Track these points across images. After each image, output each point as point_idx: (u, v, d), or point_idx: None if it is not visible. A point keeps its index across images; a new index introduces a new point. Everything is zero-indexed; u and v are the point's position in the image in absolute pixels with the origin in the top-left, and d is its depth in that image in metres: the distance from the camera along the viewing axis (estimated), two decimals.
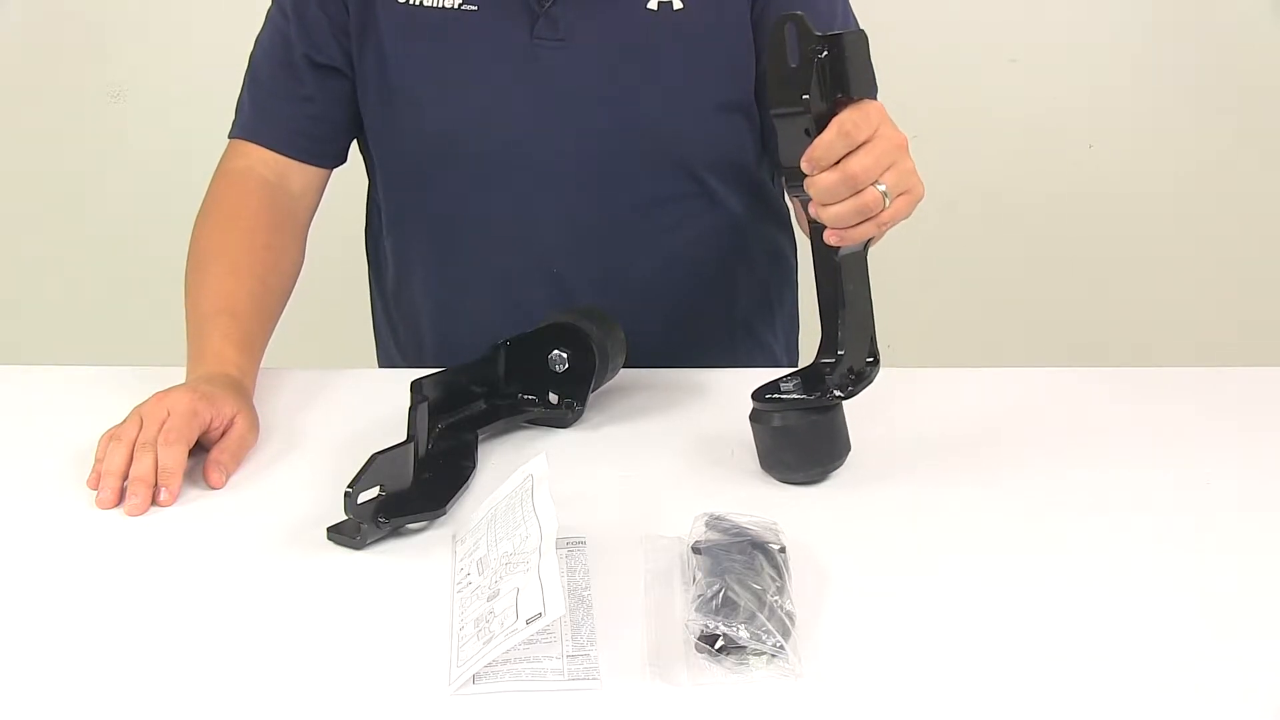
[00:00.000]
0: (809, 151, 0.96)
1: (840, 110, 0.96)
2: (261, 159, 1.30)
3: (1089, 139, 2.35)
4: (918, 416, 1.18)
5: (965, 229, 2.38)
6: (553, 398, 1.14)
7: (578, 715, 0.80)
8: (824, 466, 1.06)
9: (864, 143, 0.96)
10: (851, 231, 0.99)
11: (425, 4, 1.24)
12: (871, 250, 1.06)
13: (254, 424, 1.10)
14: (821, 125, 0.96)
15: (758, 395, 1.06)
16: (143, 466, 1.02)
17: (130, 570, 0.94)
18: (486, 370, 1.14)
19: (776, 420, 1.04)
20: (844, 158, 0.96)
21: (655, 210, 1.28)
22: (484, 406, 1.13)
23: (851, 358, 1.04)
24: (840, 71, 0.96)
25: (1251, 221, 2.39)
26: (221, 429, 1.08)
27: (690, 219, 1.30)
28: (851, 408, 1.07)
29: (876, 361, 1.06)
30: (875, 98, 0.97)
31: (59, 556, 0.96)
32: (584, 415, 1.15)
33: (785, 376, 1.06)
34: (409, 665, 0.83)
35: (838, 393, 1.04)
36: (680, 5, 1.23)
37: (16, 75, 2.27)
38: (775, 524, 0.94)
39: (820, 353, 1.05)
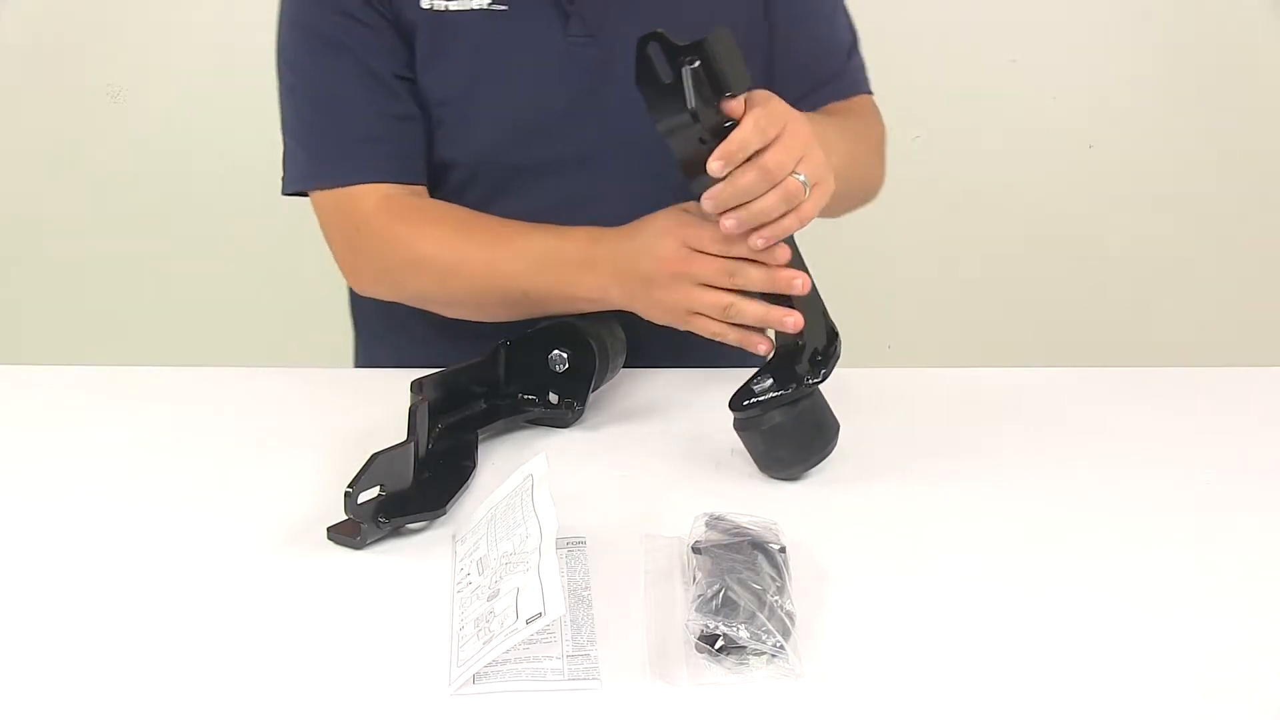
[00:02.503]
0: (722, 149, 0.98)
1: (725, 106, 0.99)
2: (376, 194, 1.23)
3: (1089, 139, 2.35)
4: (918, 416, 1.18)
5: (965, 229, 2.38)
6: (553, 398, 1.14)
7: (578, 715, 0.80)
8: (821, 453, 1.07)
9: (775, 138, 0.99)
10: (778, 226, 1.01)
11: (451, 8, 1.22)
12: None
13: None
14: (713, 128, 0.98)
15: (735, 405, 1.06)
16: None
17: (130, 570, 0.94)
18: (486, 370, 1.14)
19: (764, 423, 1.05)
20: (756, 154, 0.98)
21: (684, 202, 1.27)
22: (484, 406, 1.13)
23: (813, 341, 1.06)
24: (716, 72, 0.98)
25: (1251, 221, 2.39)
26: None
27: None
28: (852, 408, 1.08)
29: (836, 335, 1.07)
30: (748, 85, 1.00)
31: (59, 557, 0.96)
32: (584, 415, 1.15)
33: (753, 378, 1.06)
34: (409, 665, 0.83)
35: (811, 380, 1.05)
36: None
37: (16, 75, 2.27)
38: (775, 524, 0.94)
39: (780, 346, 1.07)
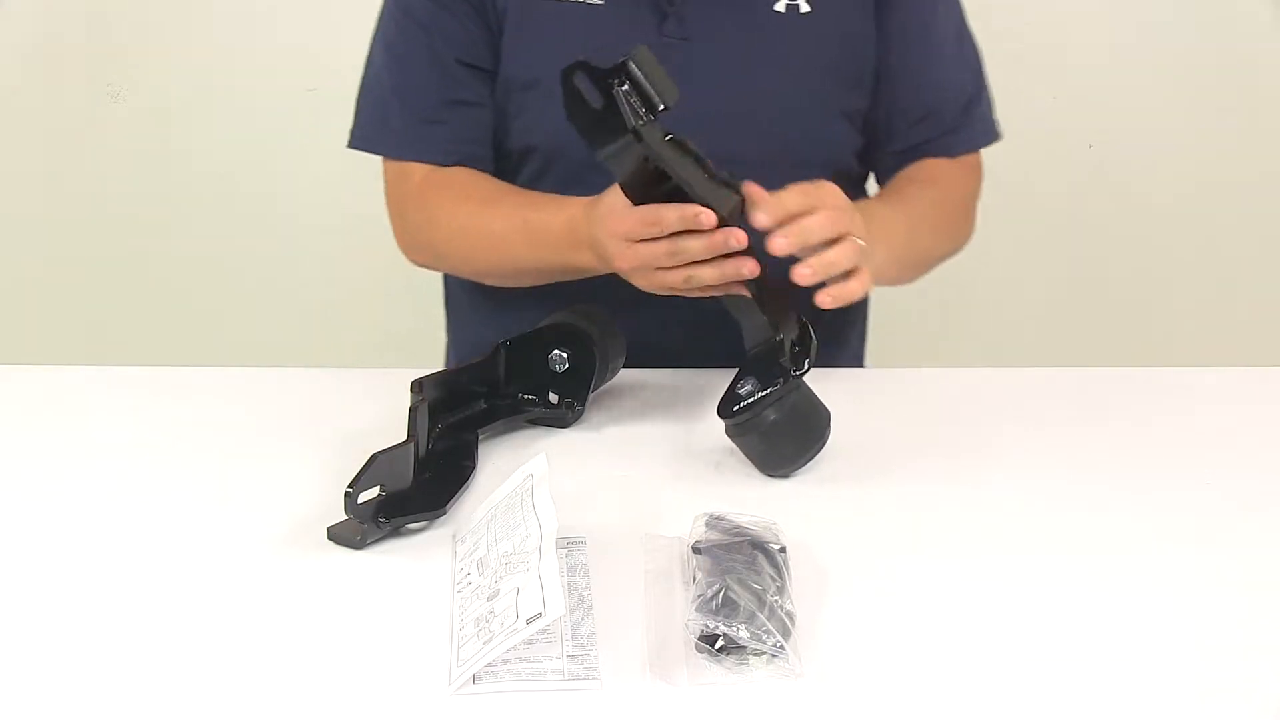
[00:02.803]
0: (780, 199, 1.05)
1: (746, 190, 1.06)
2: (423, 170, 1.30)
3: (1089, 139, 2.35)
4: (917, 416, 1.18)
5: None
6: (553, 398, 1.14)
7: (578, 715, 0.80)
8: (819, 442, 1.07)
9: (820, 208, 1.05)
10: (845, 289, 1.05)
11: None
12: None
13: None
14: (656, 145, 1.01)
15: (725, 412, 1.06)
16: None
17: (130, 570, 0.94)
18: (486, 370, 1.14)
19: (761, 424, 1.05)
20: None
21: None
22: (484, 406, 1.13)
23: (788, 333, 1.06)
24: (645, 90, 1.00)
25: (1251, 221, 2.38)
26: None
27: None
28: (852, 408, 1.08)
29: (805, 323, 1.08)
30: (677, 96, 1.01)
31: (59, 556, 0.96)
32: (584, 415, 1.15)
33: (735, 383, 1.06)
34: (409, 665, 0.83)
35: (797, 370, 1.05)
36: (808, 8, 1.24)
37: (16, 75, 2.27)
38: (775, 524, 0.94)
39: (755, 344, 1.07)
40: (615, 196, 1.08)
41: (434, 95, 1.28)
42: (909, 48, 1.30)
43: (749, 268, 1.05)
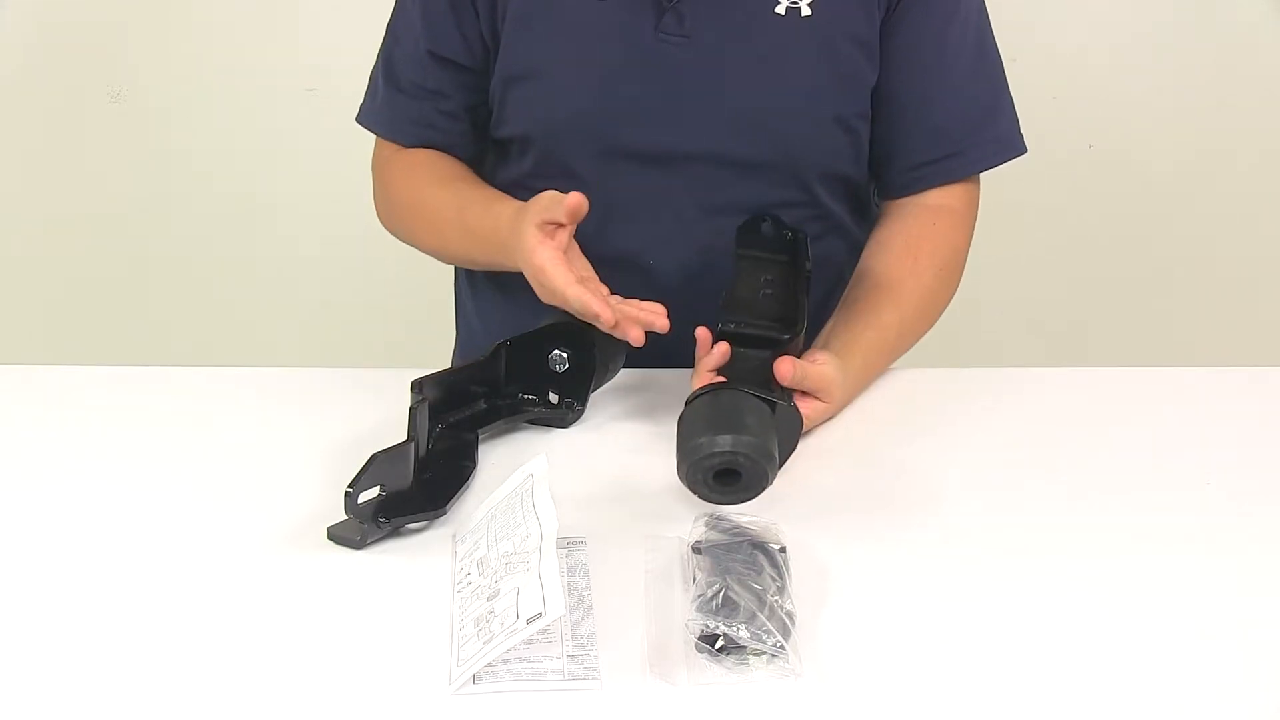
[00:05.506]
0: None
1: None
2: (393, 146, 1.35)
3: (1089, 139, 2.35)
4: (918, 417, 1.18)
5: None
6: (553, 398, 1.14)
7: (578, 715, 0.80)
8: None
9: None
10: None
11: None
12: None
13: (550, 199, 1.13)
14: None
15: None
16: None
17: (131, 570, 0.94)
18: (487, 370, 1.14)
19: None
20: None
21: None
22: (484, 406, 1.13)
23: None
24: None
25: (1251, 222, 2.38)
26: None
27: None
28: (853, 407, 1.08)
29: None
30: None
31: (60, 556, 0.96)
32: (584, 415, 1.15)
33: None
34: (409, 665, 0.83)
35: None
36: (808, 12, 1.23)
37: (16, 75, 2.27)
38: (775, 524, 0.94)
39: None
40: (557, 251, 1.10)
41: (409, 78, 1.31)
42: (918, 63, 1.27)
43: (660, 324, 1.08)
